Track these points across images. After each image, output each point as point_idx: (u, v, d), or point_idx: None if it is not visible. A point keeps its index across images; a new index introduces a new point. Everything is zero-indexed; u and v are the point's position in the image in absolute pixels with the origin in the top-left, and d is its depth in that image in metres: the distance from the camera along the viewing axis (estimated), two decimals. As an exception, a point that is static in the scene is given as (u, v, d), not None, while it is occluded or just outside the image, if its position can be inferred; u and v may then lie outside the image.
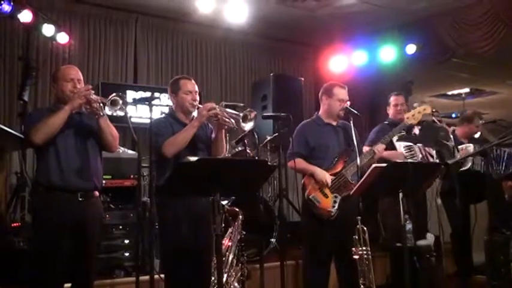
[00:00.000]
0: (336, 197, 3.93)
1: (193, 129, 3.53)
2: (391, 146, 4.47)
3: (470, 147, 5.06)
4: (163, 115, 3.88)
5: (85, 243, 3.36)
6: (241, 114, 3.54)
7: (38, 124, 3.27)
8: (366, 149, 4.28)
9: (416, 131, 4.75)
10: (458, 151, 4.98)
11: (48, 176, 3.30)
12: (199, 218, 3.51)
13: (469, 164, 4.98)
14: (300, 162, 4.05)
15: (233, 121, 3.54)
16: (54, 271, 3.25)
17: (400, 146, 4.56)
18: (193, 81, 3.82)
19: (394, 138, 4.33)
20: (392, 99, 4.95)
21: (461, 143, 5.26)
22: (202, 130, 3.73)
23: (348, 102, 4.08)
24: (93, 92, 3.44)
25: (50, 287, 3.27)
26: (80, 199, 3.33)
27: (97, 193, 3.50)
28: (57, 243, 3.24)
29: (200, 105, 3.64)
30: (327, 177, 3.95)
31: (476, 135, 5.41)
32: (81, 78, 3.53)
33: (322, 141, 4.08)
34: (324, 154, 4.05)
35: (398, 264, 3.69)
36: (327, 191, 3.95)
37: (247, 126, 3.57)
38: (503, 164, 5.10)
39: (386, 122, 4.91)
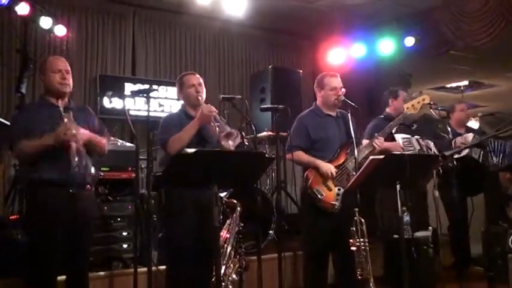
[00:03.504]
0: (339, 189, 3.92)
1: (194, 128, 3.60)
2: (391, 138, 4.47)
3: (470, 136, 5.08)
4: (176, 110, 3.95)
5: (79, 234, 3.36)
6: (227, 130, 3.59)
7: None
8: (365, 142, 4.27)
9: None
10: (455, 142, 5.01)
11: (39, 172, 3.29)
12: (205, 208, 3.53)
13: (466, 151, 5.00)
14: (302, 155, 4.03)
15: (219, 133, 3.60)
16: (47, 262, 3.25)
17: (398, 137, 4.56)
18: (197, 75, 3.90)
19: (393, 130, 4.33)
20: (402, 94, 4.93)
21: (459, 134, 5.28)
22: (210, 127, 3.77)
23: (343, 90, 4.07)
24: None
25: (44, 277, 3.27)
26: (72, 191, 3.32)
27: (89, 186, 3.50)
28: (50, 235, 3.23)
29: (204, 104, 3.69)
30: (332, 169, 3.94)
31: (471, 124, 5.43)
32: (69, 69, 3.51)
33: (323, 133, 4.06)
34: (325, 146, 4.03)
35: (395, 256, 3.71)
36: (330, 183, 3.93)
37: (226, 144, 3.59)
38: (500, 156, 5.12)
39: (382, 116, 4.91)
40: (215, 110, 3.66)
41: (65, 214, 3.28)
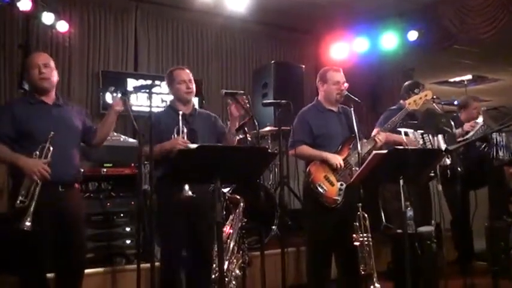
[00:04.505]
0: (341, 185, 3.90)
1: (165, 151, 3.55)
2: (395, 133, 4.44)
3: (479, 123, 5.13)
4: (164, 107, 3.91)
5: (68, 233, 3.33)
6: None
7: None
8: (375, 131, 4.24)
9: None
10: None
11: None
12: (198, 210, 3.55)
13: (472, 133, 5.02)
14: (306, 149, 4.00)
15: None
16: (36, 260, 3.24)
17: (409, 132, 4.51)
18: (187, 70, 3.88)
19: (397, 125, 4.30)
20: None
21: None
22: (204, 124, 3.81)
23: (346, 84, 4.04)
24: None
25: (34, 275, 3.27)
26: (61, 189, 3.31)
27: (77, 185, 3.49)
28: (38, 233, 3.16)
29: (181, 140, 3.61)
30: (340, 160, 3.91)
31: (479, 120, 5.42)
32: (49, 62, 3.41)
33: (325, 129, 4.04)
34: (327, 142, 4.01)
35: (400, 251, 3.70)
36: (332, 178, 3.92)
37: None
38: (503, 150, 5.11)
39: (395, 107, 4.80)
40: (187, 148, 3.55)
41: (53, 211, 3.25)
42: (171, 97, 3.95)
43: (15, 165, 3.22)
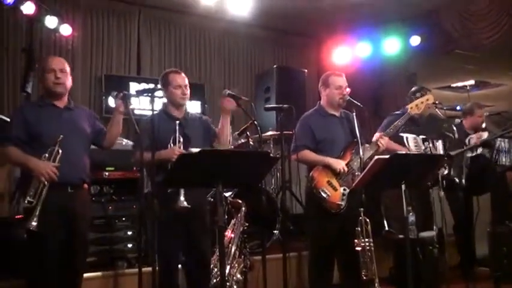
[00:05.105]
0: (344, 189, 3.90)
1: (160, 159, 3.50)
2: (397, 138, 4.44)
3: (485, 134, 5.09)
4: (157, 111, 3.86)
5: (72, 232, 3.35)
6: None
7: None
8: (376, 135, 4.24)
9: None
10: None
11: None
12: (193, 211, 3.54)
13: (480, 150, 5.00)
14: (309, 154, 3.99)
15: None
16: (46, 262, 3.24)
17: (410, 138, 4.51)
18: (183, 74, 3.85)
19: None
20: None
21: (469, 135, 5.26)
22: (197, 128, 3.79)
23: (348, 89, 4.04)
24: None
25: (46, 278, 3.26)
26: (70, 191, 3.35)
27: (86, 186, 3.52)
28: (44, 236, 3.19)
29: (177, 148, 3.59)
30: (343, 165, 3.90)
31: (483, 126, 5.42)
32: (65, 67, 3.45)
33: (328, 134, 4.03)
34: (329, 147, 4.00)
35: (402, 256, 3.70)
36: (335, 183, 3.91)
37: None
38: (505, 155, 5.11)
39: (398, 112, 4.78)
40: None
41: (62, 211, 3.28)
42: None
43: (25, 166, 3.28)
